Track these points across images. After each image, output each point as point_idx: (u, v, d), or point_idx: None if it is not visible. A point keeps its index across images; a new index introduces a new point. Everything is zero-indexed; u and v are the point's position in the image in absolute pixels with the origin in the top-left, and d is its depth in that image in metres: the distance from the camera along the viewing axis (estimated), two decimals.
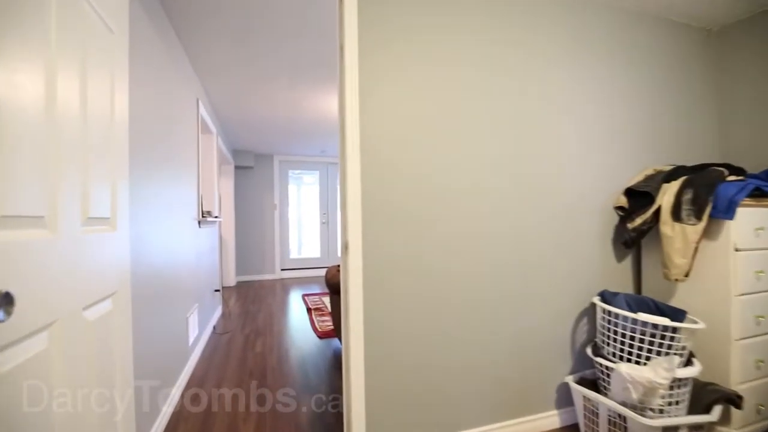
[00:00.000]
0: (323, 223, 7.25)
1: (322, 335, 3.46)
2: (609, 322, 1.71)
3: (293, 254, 7.13)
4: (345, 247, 1.60)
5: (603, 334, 1.76)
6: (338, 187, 1.64)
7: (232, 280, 6.16)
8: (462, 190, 1.78)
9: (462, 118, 1.79)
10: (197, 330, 2.96)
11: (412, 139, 1.70)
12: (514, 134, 1.88)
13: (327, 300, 4.86)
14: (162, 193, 2.07)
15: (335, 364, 2.81)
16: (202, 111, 3.24)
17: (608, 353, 1.72)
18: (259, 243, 6.75)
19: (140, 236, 1.70)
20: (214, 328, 3.70)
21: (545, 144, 1.94)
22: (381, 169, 1.64)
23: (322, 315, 4.16)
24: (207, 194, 3.98)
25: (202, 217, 3.18)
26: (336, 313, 3.05)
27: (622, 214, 2.03)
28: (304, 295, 5.28)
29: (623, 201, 2.00)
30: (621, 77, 2.12)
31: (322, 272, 7.17)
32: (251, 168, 6.66)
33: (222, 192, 6.12)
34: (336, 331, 3.16)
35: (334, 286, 2.96)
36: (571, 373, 1.96)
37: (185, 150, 2.72)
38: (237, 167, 6.49)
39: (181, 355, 2.46)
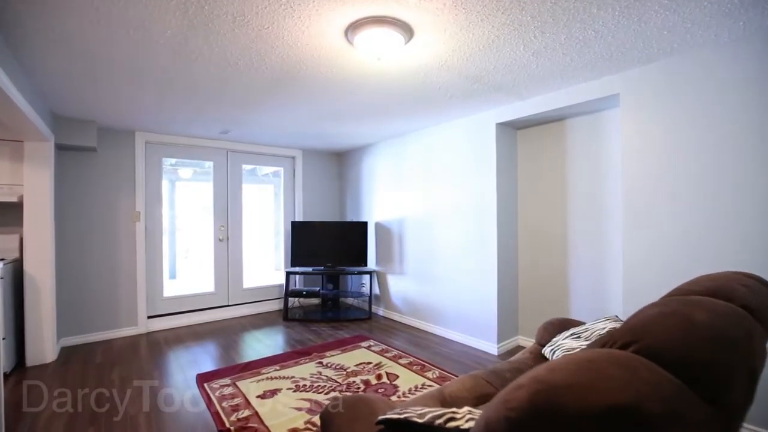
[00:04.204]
0: (220, 240, 4.83)
1: None
2: None
3: (168, 290, 4.56)
4: None
5: None
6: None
7: (49, 352, 3.38)
8: None
9: None
10: None
11: None
12: None
13: (249, 389, 2.69)
14: None
15: None
16: None
17: None
18: (107, 277, 4.03)
19: None
20: None
21: None
22: None
23: None
24: None
25: None
26: None
27: None
28: (201, 380, 2.96)
29: None
30: None
31: (219, 316, 4.75)
32: (92, 151, 3.92)
33: (29, 193, 3.33)
34: None
35: None
36: None
37: None
38: (62, 147, 3.71)
39: None
